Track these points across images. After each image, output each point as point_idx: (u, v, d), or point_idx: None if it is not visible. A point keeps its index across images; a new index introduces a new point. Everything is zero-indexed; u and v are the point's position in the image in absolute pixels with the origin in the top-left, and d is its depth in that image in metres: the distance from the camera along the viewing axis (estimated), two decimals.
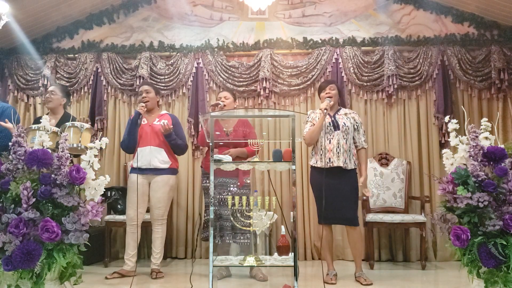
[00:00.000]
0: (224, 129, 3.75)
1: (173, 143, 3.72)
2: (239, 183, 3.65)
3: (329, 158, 3.45)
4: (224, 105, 3.74)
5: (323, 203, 3.28)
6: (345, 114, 3.62)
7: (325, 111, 3.40)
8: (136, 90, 4.72)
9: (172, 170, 3.78)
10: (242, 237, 3.60)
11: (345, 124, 3.51)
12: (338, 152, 3.45)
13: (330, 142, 3.48)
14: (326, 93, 3.58)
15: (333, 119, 3.54)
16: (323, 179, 3.37)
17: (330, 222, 3.54)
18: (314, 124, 3.54)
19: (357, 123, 3.60)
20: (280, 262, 2.62)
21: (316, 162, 3.53)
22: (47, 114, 3.92)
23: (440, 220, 2.27)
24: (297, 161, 4.63)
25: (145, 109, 3.71)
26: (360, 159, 3.59)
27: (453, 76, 4.70)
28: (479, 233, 2.08)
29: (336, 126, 3.50)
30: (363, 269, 3.54)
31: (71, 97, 4.90)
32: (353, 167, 3.51)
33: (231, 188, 3.63)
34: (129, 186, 3.73)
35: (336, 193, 3.42)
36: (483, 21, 4.73)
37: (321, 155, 3.49)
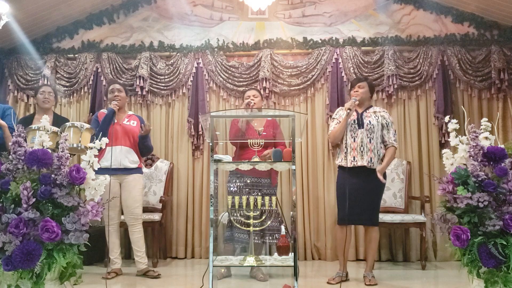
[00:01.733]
0: (255, 129, 3.70)
1: (146, 144, 3.76)
2: (272, 183, 3.62)
3: (354, 157, 3.40)
4: (254, 103, 3.68)
5: (345, 204, 3.23)
6: (374, 112, 3.52)
7: (349, 111, 3.36)
8: (136, 90, 4.73)
9: (140, 170, 3.80)
10: (270, 237, 3.58)
11: (370, 122, 3.43)
12: (362, 151, 3.38)
13: (354, 141, 3.42)
14: (354, 91, 3.52)
15: (359, 117, 3.48)
16: (347, 179, 3.34)
17: (351, 223, 3.49)
18: (339, 122, 3.49)
19: (386, 121, 3.49)
20: (280, 262, 2.62)
21: (341, 161, 3.47)
22: (33, 114, 3.93)
23: (440, 220, 2.27)
24: (297, 161, 4.63)
25: (118, 107, 3.68)
26: (386, 154, 3.44)
27: (453, 76, 4.69)
28: (479, 233, 2.08)
29: (360, 124, 3.44)
30: (372, 271, 3.50)
31: (71, 97, 4.92)
32: None
33: (264, 189, 3.59)
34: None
35: (359, 192, 3.37)
36: (483, 21, 4.73)
37: (345, 154, 3.43)
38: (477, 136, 2.26)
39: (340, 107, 3.71)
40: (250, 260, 2.61)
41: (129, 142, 3.70)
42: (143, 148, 3.77)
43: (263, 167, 2.91)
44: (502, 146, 2.23)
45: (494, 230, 2.05)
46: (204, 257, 4.58)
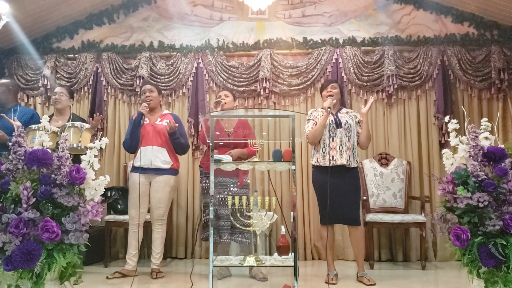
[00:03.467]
0: (225, 129, 3.75)
1: (177, 142, 3.73)
2: (239, 183, 3.65)
3: (332, 156, 3.44)
4: (225, 103, 3.74)
5: (327, 203, 3.27)
6: (347, 112, 3.63)
7: (329, 109, 3.40)
8: (136, 90, 4.74)
9: (173, 171, 3.78)
10: (241, 236, 3.60)
11: (347, 121, 3.52)
12: (341, 150, 3.44)
13: (333, 140, 3.48)
14: (328, 92, 3.59)
15: (335, 117, 3.54)
16: (325, 178, 3.36)
17: (332, 222, 3.52)
18: (316, 123, 3.53)
19: (358, 119, 3.61)
20: (280, 262, 2.62)
21: (317, 161, 3.52)
22: (51, 115, 3.92)
23: (440, 220, 2.27)
24: (297, 161, 4.63)
25: (148, 109, 3.71)
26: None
27: (453, 76, 4.69)
28: (479, 233, 2.08)
29: (338, 124, 3.50)
30: (365, 269, 3.53)
31: None
32: (356, 165, 3.51)
33: (231, 188, 3.63)
34: (130, 186, 3.74)
35: (338, 192, 3.39)
36: (483, 21, 4.73)
37: (323, 153, 3.49)
38: (477, 136, 2.26)
39: (313, 109, 3.78)
40: (250, 260, 2.61)
41: (161, 141, 3.71)
42: (175, 145, 3.76)
43: (262, 167, 2.92)
44: (502, 146, 2.23)
45: (494, 230, 2.05)
46: (204, 257, 4.58)
